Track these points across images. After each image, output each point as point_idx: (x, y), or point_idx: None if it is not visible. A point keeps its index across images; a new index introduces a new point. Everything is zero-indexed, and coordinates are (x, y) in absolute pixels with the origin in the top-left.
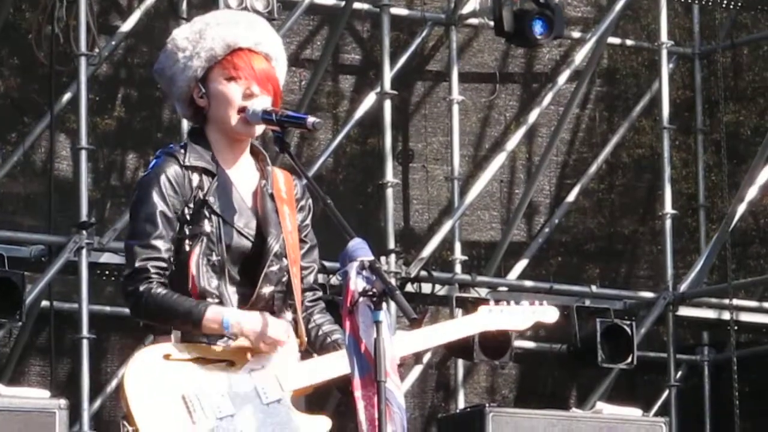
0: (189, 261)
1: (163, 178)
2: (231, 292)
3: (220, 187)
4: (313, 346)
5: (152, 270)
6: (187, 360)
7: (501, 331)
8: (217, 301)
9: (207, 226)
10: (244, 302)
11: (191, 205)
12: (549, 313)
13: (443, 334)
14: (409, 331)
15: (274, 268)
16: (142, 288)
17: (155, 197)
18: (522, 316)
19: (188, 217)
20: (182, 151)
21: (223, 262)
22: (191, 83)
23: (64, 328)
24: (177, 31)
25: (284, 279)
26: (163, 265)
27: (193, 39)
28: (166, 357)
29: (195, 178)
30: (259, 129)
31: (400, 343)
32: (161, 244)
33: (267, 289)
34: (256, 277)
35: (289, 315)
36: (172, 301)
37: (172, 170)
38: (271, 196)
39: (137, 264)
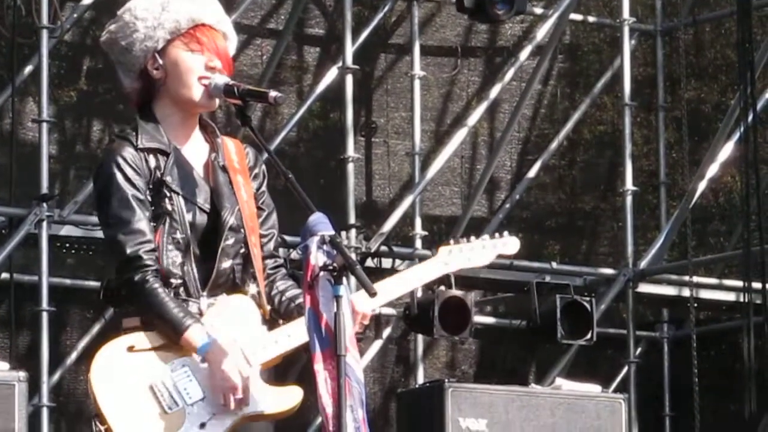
0: (154, 242)
1: (122, 162)
2: (194, 269)
3: (176, 165)
4: (278, 313)
5: (145, 257)
6: (152, 349)
7: (462, 302)
8: (180, 281)
9: (168, 206)
10: (206, 279)
11: (151, 186)
12: (510, 245)
13: (407, 283)
14: (376, 284)
15: (230, 241)
16: (137, 278)
17: (122, 183)
18: (483, 251)
19: (150, 198)
20: (134, 133)
21: (187, 239)
22: (148, 54)
23: (24, 300)
24: (134, 2)
25: (242, 251)
26: (153, 247)
27: (155, 10)
28: (130, 349)
29: (151, 158)
30: (217, 102)
31: (365, 298)
32: (144, 226)
33: (226, 264)
34: (214, 253)
35: (253, 287)
36: (164, 304)
37: (129, 154)
38: (223, 167)
39: (129, 251)
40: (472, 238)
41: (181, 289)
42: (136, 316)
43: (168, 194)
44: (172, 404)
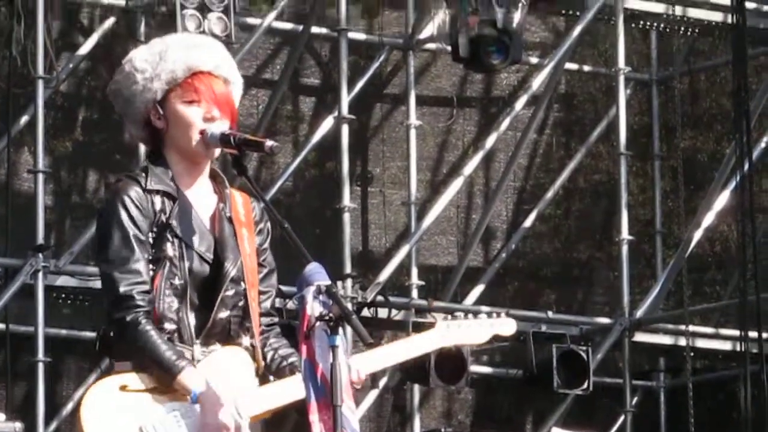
0: (153, 285)
1: (128, 201)
2: (191, 317)
3: (181, 210)
4: (269, 369)
5: (138, 297)
6: (144, 390)
7: (458, 352)
8: (175, 327)
9: (170, 250)
10: (202, 327)
11: (155, 229)
12: (507, 326)
13: (403, 352)
14: (369, 351)
15: (230, 292)
16: (129, 318)
17: (125, 221)
18: (479, 329)
19: (152, 240)
20: (143, 174)
21: (185, 285)
22: (149, 104)
23: (20, 351)
24: (135, 53)
25: (241, 303)
26: (147, 288)
27: (153, 61)
28: (123, 388)
29: (157, 201)
30: (217, 151)
31: (360, 362)
32: (141, 267)
33: (223, 314)
34: (212, 302)
35: (246, 340)
36: (156, 346)
37: (135, 193)
38: (230, 219)
39: (122, 290)
40: (470, 316)
41: (176, 335)
42: (128, 361)
43: (170, 239)
44: None
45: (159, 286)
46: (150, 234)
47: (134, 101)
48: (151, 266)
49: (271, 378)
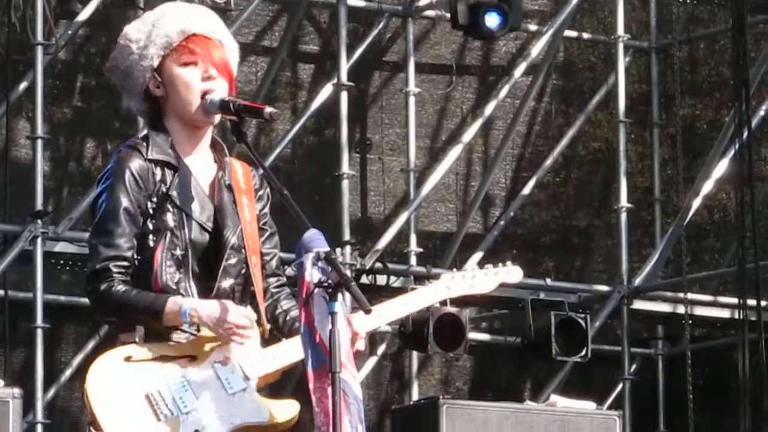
0: (153, 256)
1: (127, 173)
2: (193, 287)
3: (182, 180)
4: (282, 332)
5: (114, 270)
6: (149, 360)
7: (457, 319)
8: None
9: (170, 221)
10: (206, 296)
11: (154, 199)
12: (513, 273)
13: (409, 305)
14: (377, 305)
15: (232, 261)
16: (102, 287)
17: (119, 193)
18: (485, 279)
19: (151, 211)
20: (144, 143)
21: (186, 256)
22: (147, 73)
23: (18, 317)
24: (128, 27)
25: (243, 271)
26: (126, 263)
27: (147, 30)
28: (127, 359)
29: (158, 171)
30: (217, 117)
31: (365, 319)
32: (124, 242)
33: (227, 283)
34: (215, 271)
35: (252, 307)
36: (132, 297)
37: (136, 164)
38: (229, 187)
39: (99, 265)
40: (475, 267)
41: None
42: (133, 332)
43: (171, 209)
44: (167, 412)
45: (161, 257)
46: (149, 204)
47: (132, 72)
48: (152, 237)
49: (284, 340)
